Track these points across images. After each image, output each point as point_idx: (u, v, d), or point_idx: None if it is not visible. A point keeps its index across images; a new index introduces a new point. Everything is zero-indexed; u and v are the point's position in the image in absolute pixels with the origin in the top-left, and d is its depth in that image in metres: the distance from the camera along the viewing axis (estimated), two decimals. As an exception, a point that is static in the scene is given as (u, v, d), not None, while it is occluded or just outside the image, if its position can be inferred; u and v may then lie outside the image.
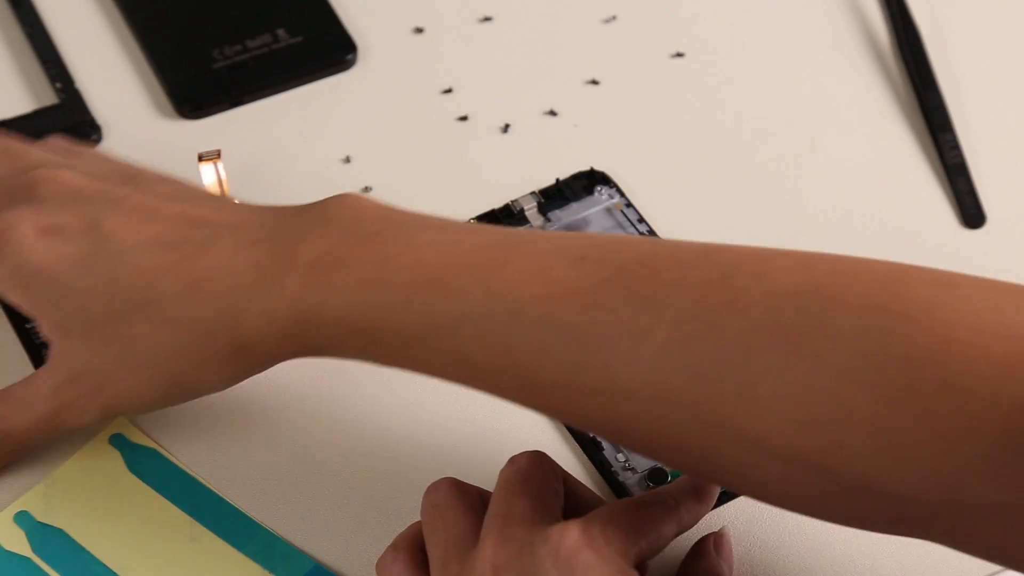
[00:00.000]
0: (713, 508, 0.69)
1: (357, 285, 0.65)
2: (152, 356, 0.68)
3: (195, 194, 0.71)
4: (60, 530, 0.71)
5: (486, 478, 0.68)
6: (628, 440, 0.63)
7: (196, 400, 0.75)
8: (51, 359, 0.69)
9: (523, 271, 0.63)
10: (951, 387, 0.56)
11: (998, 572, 0.69)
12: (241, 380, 0.69)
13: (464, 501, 0.65)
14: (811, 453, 0.58)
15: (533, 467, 0.65)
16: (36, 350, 0.75)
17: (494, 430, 0.74)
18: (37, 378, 0.69)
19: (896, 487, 0.57)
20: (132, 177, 0.72)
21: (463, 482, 0.66)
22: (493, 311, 0.63)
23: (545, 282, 0.63)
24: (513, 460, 0.66)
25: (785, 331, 0.58)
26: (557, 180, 0.81)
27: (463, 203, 0.81)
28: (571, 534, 0.62)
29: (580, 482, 0.67)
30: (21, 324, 0.76)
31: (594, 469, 0.73)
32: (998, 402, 0.56)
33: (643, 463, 0.72)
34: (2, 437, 0.70)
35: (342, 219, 0.67)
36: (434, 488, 0.66)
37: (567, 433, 0.74)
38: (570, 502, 0.66)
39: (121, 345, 0.68)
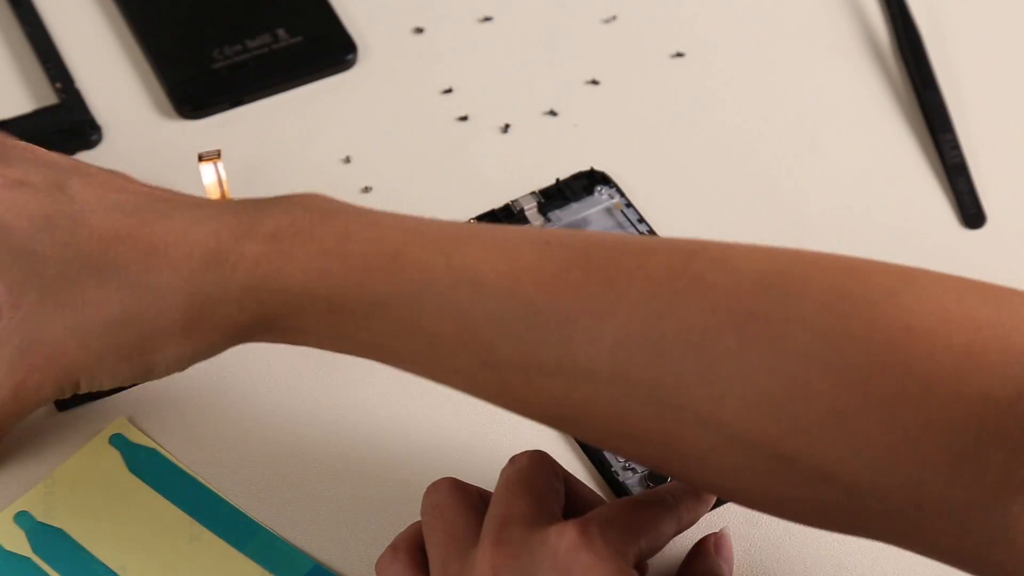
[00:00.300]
0: (713, 508, 0.69)
1: (318, 253, 0.64)
2: (102, 326, 0.66)
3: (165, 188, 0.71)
4: (60, 530, 0.71)
5: (486, 478, 0.68)
6: (585, 425, 0.63)
7: (196, 400, 0.75)
8: (1, 331, 0.68)
9: (487, 248, 0.63)
10: (912, 374, 0.56)
11: (998, 572, 0.70)
12: (196, 360, 0.68)
13: (464, 501, 0.65)
14: (771, 438, 0.58)
15: (534, 467, 0.65)
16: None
17: (494, 430, 0.74)
18: None
19: (855, 477, 0.57)
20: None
21: (463, 482, 0.66)
22: (456, 281, 0.63)
23: (509, 260, 0.62)
24: (514, 460, 0.66)
25: (747, 314, 0.58)
26: (557, 180, 0.81)
27: (463, 203, 0.81)
28: (569, 534, 0.62)
29: (581, 482, 0.67)
30: None
31: (594, 469, 0.73)
32: (960, 392, 0.55)
33: (643, 463, 0.72)
34: None
35: (306, 202, 0.67)
36: (434, 488, 0.66)
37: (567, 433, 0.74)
38: (571, 502, 0.66)
39: (73, 312, 0.67)
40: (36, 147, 0.72)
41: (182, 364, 0.68)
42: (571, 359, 0.60)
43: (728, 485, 0.61)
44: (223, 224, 0.66)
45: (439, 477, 0.66)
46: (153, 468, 0.72)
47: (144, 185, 0.70)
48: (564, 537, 0.61)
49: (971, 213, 0.82)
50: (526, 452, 0.66)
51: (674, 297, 0.59)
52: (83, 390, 0.69)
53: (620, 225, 0.80)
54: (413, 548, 0.66)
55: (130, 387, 0.74)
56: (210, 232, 0.66)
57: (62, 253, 0.67)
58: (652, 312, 0.59)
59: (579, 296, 0.61)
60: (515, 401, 0.64)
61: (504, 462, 0.67)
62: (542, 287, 0.61)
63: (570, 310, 0.61)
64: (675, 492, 0.67)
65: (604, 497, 0.71)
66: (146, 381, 0.69)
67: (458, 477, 0.67)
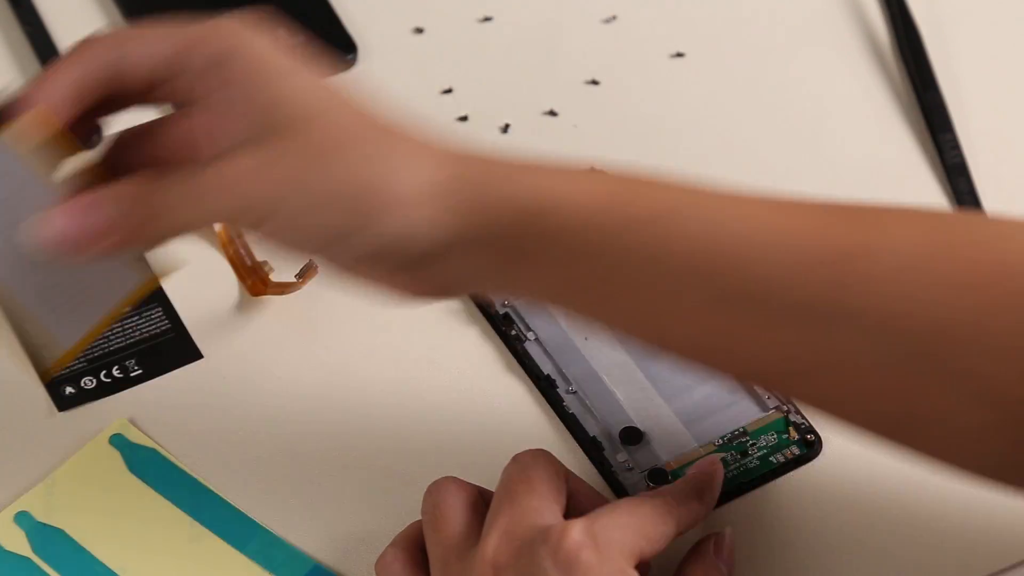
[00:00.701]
0: (713, 508, 0.69)
1: (584, 180, 0.63)
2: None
3: None
4: (60, 530, 0.71)
5: (487, 477, 0.68)
6: (815, 380, 0.60)
7: (196, 400, 0.75)
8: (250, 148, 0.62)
9: (755, 203, 0.61)
10: None
11: (998, 572, 0.70)
12: (421, 259, 0.62)
13: (465, 500, 0.65)
14: None
15: (537, 466, 0.65)
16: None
17: (495, 430, 0.74)
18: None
19: None
20: None
21: (464, 481, 0.66)
22: (715, 207, 0.61)
23: (775, 212, 0.61)
24: (516, 458, 0.66)
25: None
26: (557, 180, 0.81)
27: (463, 203, 0.81)
28: (572, 533, 0.62)
29: (583, 481, 0.67)
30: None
31: (594, 469, 0.73)
32: None
33: (643, 463, 0.72)
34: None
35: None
36: (435, 487, 0.66)
37: (567, 433, 0.74)
38: (574, 501, 0.66)
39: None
40: None
41: (405, 245, 0.62)
42: (839, 301, 0.58)
43: (959, 448, 0.59)
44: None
45: (439, 476, 0.66)
46: (153, 468, 0.72)
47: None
48: (566, 536, 0.62)
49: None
50: (528, 451, 0.66)
51: (947, 248, 0.58)
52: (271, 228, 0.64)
53: (620, 225, 0.80)
54: (413, 548, 0.66)
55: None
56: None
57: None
58: (927, 254, 0.58)
59: (849, 234, 0.58)
60: (737, 350, 0.61)
61: (505, 461, 0.67)
62: (811, 228, 0.59)
63: (844, 245, 0.58)
64: (677, 494, 0.67)
65: (605, 497, 0.71)
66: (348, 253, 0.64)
67: (459, 476, 0.67)
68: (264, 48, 0.64)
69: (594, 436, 0.73)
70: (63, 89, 0.63)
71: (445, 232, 0.62)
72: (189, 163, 0.63)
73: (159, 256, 0.67)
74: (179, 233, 0.64)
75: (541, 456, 0.66)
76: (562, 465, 0.66)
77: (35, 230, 0.62)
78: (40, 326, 0.66)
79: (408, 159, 0.63)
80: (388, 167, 0.63)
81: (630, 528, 0.63)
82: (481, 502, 0.66)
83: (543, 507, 0.64)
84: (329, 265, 0.64)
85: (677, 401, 0.74)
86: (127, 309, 0.68)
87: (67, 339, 0.67)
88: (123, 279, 0.67)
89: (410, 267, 0.63)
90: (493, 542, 0.63)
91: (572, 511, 0.65)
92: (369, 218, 0.62)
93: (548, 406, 0.74)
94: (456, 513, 0.65)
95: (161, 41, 0.64)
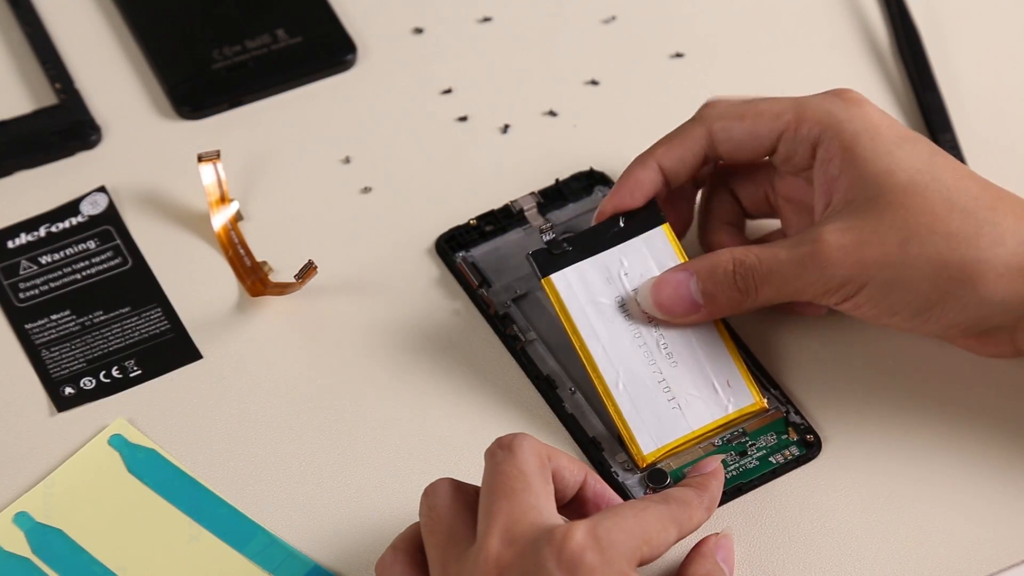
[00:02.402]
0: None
1: None
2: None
3: None
4: (59, 530, 0.71)
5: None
6: None
7: (196, 401, 0.75)
8: (841, 215, 0.69)
9: None
10: None
11: (998, 572, 0.70)
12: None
13: (462, 502, 0.65)
14: None
15: (526, 455, 0.65)
16: (53, 385, 0.75)
17: (495, 430, 0.74)
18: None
19: None
20: None
21: (461, 482, 0.66)
22: None
23: None
24: (501, 443, 0.65)
25: None
26: (556, 180, 0.81)
27: (462, 203, 0.81)
28: (575, 535, 0.62)
29: (562, 453, 0.67)
30: None
31: (594, 469, 0.72)
32: None
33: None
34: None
35: None
36: (432, 490, 0.66)
37: (567, 433, 0.74)
38: (557, 477, 0.66)
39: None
40: None
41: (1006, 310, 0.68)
42: None
43: None
44: None
45: (439, 477, 0.66)
46: (152, 469, 0.72)
47: None
48: (570, 538, 0.62)
49: (971, 213, 0.82)
50: (512, 436, 0.65)
51: None
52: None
53: (620, 225, 0.80)
54: (413, 549, 0.66)
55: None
56: None
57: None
58: None
59: None
60: None
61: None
62: None
63: None
64: (679, 497, 0.67)
65: (582, 464, 0.70)
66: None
67: (458, 477, 0.67)
68: (858, 125, 0.69)
69: (594, 436, 0.73)
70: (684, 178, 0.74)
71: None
72: (775, 241, 0.70)
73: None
74: (759, 307, 0.71)
75: (526, 443, 0.65)
76: (543, 445, 0.66)
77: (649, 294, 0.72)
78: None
79: (1000, 234, 0.68)
80: (979, 244, 0.67)
81: (633, 532, 0.64)
82: (477, 502, 0.66)
83: (541, 504, 0.64)
84: (896, 328, 0.71)
85: (679, 395, 0.74)
86: None
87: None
88: None
89: (981, 335, 0.69)
90: (495, 542, 0.63)
91: (578, 505, 0.67)
92: (953, 293, 0.67)
93: (548, 406, 0.74)
94: (453, 515, 0.65)
95: (759, 124, 0.71)
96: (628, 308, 0.74)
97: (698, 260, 0.72)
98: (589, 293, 0.74)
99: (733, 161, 0.74)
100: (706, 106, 0.73)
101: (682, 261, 0.74)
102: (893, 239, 0.68)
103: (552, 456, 0.66)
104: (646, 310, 0.73)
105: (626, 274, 0.74)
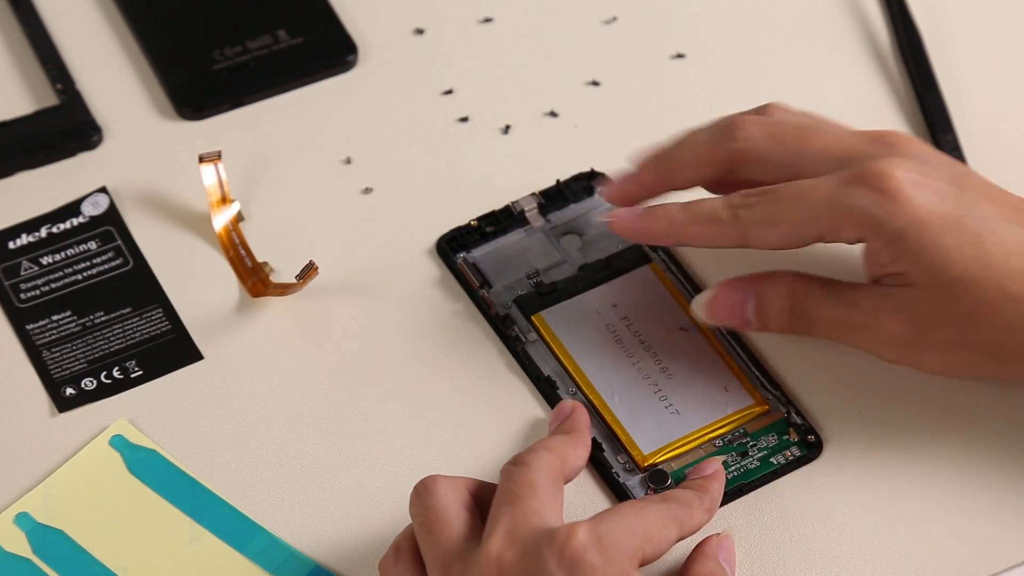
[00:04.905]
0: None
1: None
2: (986, 339, 0.68)
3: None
4: (60, 531, 0.71)
5: (487, 478, 0.68)
6: None
7: (196, 401, 0.75)
8: (897, 298, 0.69)
9: None
10: None
11: (998, 572, 0.70)
12: None
13: (458, 499, 0.66)
14: None
15: (538, 468, 0.65)
16: (54, 385, 0.75)
17: (495, 431, 0.74)
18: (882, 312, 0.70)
19: None
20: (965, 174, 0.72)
21: (452, 478, 0.66)
22: None
23: None
24: (517, 459, 0.66)
25: None
26: (557, 181, 0.81)
27: (463, 204, 0.81)
28: (577, 535, 0.62)
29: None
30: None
31: (594, 470, 0.73)
32: None
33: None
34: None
35: None
36: (423, 488, 0.66)
37: (567, 434, 0.74)
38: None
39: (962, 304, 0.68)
40: (924, 145, 0.73)
41: None
42: None
43: None
44: None
45: (427, 475, 0.67)
46: (153, 469, 0.72)
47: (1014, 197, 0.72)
48: (571, 538, 0.62)
49: (972, 214, 0.82)
50: (528, 451, 0.66)
51: None
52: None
53: (620, 226, 0.80)
54: (416, 548, 0.66)
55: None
56: None
57: (965, 251, 0.68)
58: None
59: None
60: None
61: (502, 459, 0.67)
62: None
63: None
64: (679, 496, 0.67)
65: (604, 499, 0.71)
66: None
67: (456, 476, 0.67)
68: (900, 223, 0.68)
69: (594, 437, 0.73)
70: None
71: None
72: (836, 287, 0.71)
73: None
74: (805, 334, 0.71)
75: (538, 456, 0.66)
76: (559, 462, 0.66)
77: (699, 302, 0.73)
78: None
79: None
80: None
81: (634, 531, 0.64)
82: (471, 499, 0.66)
83: (545, 509, 0.64)
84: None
85: (677, 402, 0.74)
86: None
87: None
88: None
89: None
90: (496, 543, 0.63)
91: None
92: (1015, 368, 0.69)
93: (549, 407, 0.74)
94: (452, 515, 0.65)
95: (795, 233, 0.70)
96: (620, 335, 0.75)
97: (758, 281, 0.72)
98: (579, 324, 0.76)
99: None
100: (737, 207, 0.71)
101: (671, 298, 0.76)
102: (952, 329, 0.69)
103: (568, 475, 0.67)
104: (698, 319, 0.73)
105: (615, 305, 0.75)
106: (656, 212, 0.72)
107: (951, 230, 0.68)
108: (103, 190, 0.82)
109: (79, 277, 0.79)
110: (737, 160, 0.72)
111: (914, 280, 0.69)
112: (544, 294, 0.77)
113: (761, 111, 0.74)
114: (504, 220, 0.80)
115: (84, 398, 0.75)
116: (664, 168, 0.74)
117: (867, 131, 0.72)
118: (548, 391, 0.75)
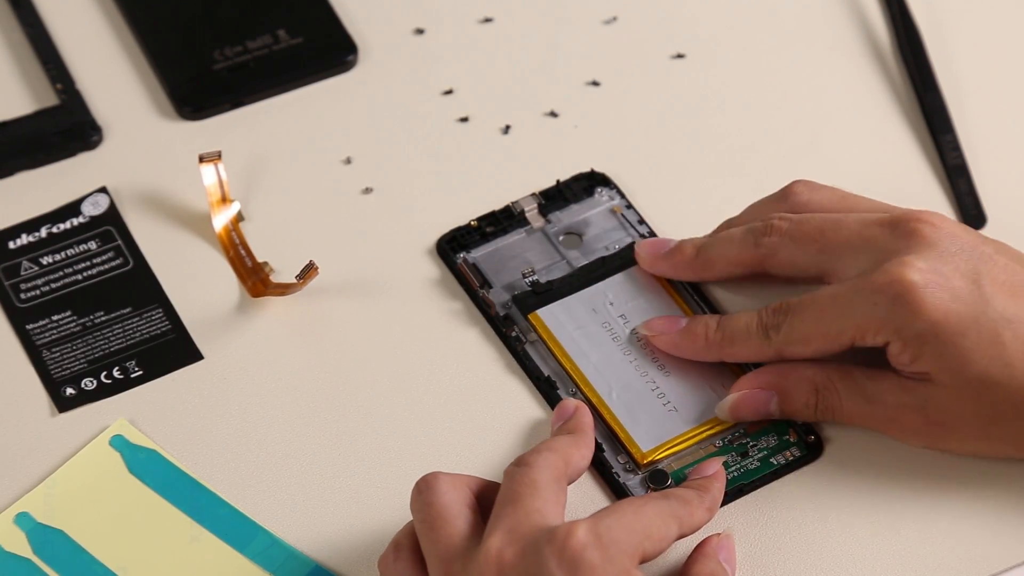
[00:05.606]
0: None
1: None
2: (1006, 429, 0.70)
3: None
4: (60, 531, 0.71)
5: (488, 477, 0.68)
6: None
7: (196, 401, 0.75)
8: (920, 394, 0.70)
9: None
10: None
11: (998, 573, 0.70)
12: None
13: (460, 496, 0.66)
14: None
15: (540, 468, 0.65)
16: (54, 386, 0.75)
17: (496, 431, 0.74)
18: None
19: None
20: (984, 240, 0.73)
21: (453, 476, 0.66)
22: None
23: None
24: (520, 460, 0.66)
25: None
26: (557, 181, 0.81)
27: (463, 204, 0.81)
28: (577, 533, 0.62)
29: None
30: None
31: (594, 470, 0.73)
32: None
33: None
34: None
35: None
36: (425, 485, 0.66)
37: (567, 434, 0.74)
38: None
39: (985, 401, 0.70)
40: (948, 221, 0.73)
41: None
42: None
43: None
44: None
45: (428, 472, 0.67)
46: (153, 469, 0.72)
47: None
48: (571, 536, 0.62)
49: (971, 214, 0.82)
50: (531, 452, 0.66)
51: None
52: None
53: (620, 226, 0.80)
54: (415, 546, 0.66)
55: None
56: None
57: (987, 351, 0.69)
58: None
59: None
60: None
61: (506, 461, 0.67)
62: None
63: None
64: (679, 494, 0.67)
65: (604, 498, 0.71)
66: None
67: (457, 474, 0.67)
68: (920, 327, 0.69)
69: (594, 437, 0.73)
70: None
71: None
72: (861, 373, 0.72)
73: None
74: (829, 422, 0.73)
75: (541, 457, 0.66)
76: (562, 462, 0.66)
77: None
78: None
79: None
80: None
81: (634, 528, 0.64)
82: (472, 497, 0.66)
83: (546, 509, 0.64)
84: None
85: (675, 399, 0.74)
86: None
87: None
88: None
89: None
90: (497, 541, 0.63)
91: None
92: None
93: (549, 407, 0.74)
94: (454, 512, 0.65)
95: (825, 346, 0.71)
96: (616, 333, 0.75)
97: (779, 378, 0.73)
98: (576, 322, 0.76)
99: None
100: (768, 327, 0.73)
101: (667, 295, 0.76)
102: (975, 424, 0.70)
103: (572, 476, 0.67)
104: (722, 417, 0.73)
105: (611, 303, 0.75)
106: (695, 331, 0.74)
107: (969, 330, 0.69)
108: (103, 190, 0.82)
109: (79, 277, 0.79)
110: (764, 263, 0.74)
111: (936, 379, 0.70)
112: (540, 292, 0.77)
113: (783, 197, 0.76)
114: (504, 220, 0.80)
115: (84, 398, 0.75)
116: (698, 261, 0.76)
117: (887, 217, 0.73)
118: (548, 391, 0.75)
